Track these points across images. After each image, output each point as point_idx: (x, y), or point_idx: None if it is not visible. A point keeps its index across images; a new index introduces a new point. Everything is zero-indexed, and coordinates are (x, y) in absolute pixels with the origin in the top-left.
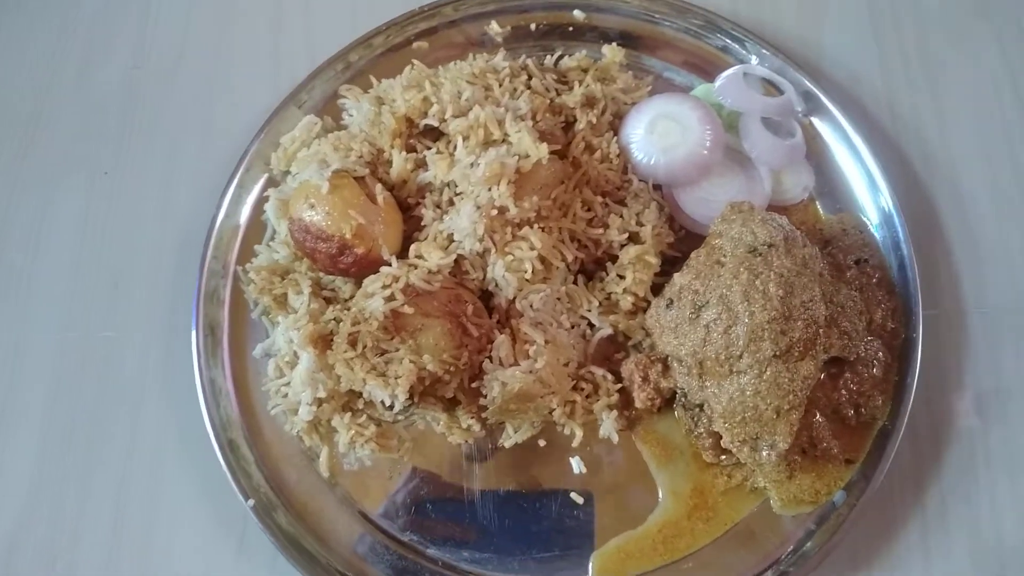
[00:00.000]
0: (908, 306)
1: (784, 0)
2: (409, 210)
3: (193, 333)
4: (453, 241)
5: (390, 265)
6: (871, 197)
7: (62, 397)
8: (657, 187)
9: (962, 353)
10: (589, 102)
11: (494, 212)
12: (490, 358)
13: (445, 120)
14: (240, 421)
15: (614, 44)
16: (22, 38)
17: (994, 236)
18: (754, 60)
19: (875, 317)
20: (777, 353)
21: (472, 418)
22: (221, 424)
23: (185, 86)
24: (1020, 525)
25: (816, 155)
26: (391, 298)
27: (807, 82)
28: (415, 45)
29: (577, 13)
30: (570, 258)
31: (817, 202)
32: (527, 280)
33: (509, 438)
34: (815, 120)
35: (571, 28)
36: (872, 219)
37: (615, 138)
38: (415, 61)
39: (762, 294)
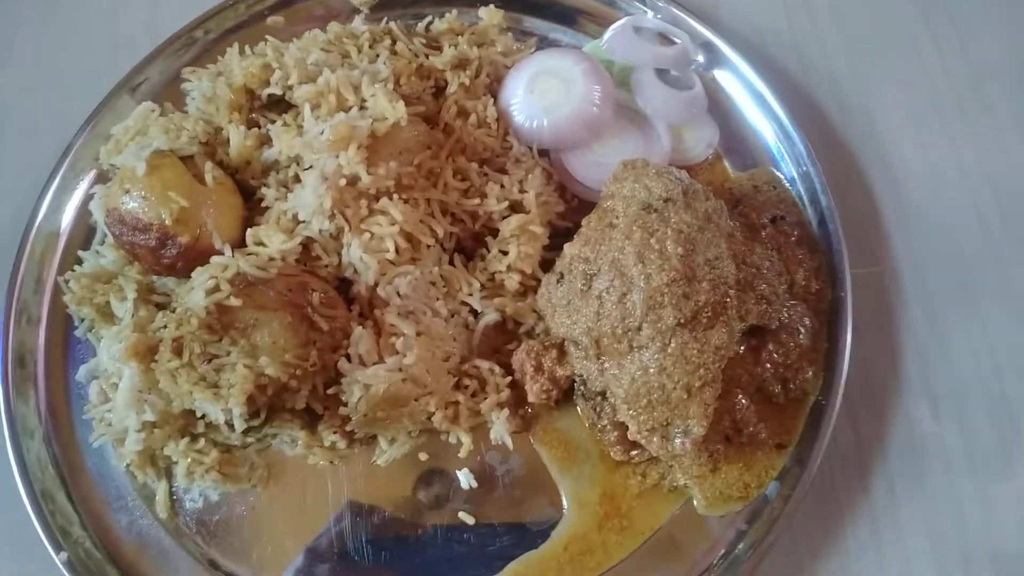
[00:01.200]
0: (833, 264)
1: None
2: (254, 194)
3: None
4: (300, 223)
5: (223, 255)
6: (785, 149)
7: None
8: (545, 153)
9: (897, 313)
10: (461, 63)
11: (343, 182)
12: (347, 356)
13: (291, 87)
14: (59, 460)
15: (491, 6)
16: None
17: (920, 183)
18: (648, 13)
19: (796, 278)
20: (681, 321)
21: (335, 433)
22: (32, 468)
23: (9, 72)
24: (983, 505)
25: (720, 109)
26: (215, 289)
27: (706, 32)
28: (269, 20)
29: None
30: (441, 233)
31: (724, 160)
32: (390, 262)
33: (383, 453)
34: (717, 74)
35: None
36: (786, 173)
37: (492, 101)
38: (269, 38)
39: (659, 253)
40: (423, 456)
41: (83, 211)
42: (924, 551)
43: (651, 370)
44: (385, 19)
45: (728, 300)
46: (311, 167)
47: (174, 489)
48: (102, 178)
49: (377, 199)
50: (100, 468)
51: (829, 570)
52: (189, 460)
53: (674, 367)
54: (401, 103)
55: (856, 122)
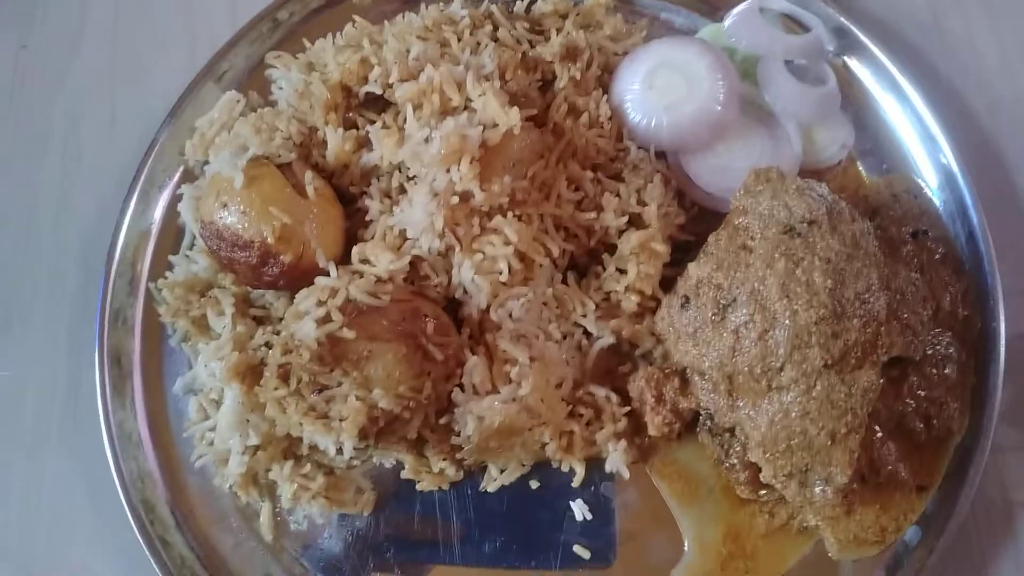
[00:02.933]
0: (982, 287)
1: None
2: (352, 202)
3: (97, 365)
4: (407, 240)
5: (328, 275)
6: (926, 153)
7: None
8: (661, 155)
9: None
10: (570, 54)
11: (455, 199)
12: (461, 386)
13: (390, 86)
14: (158, 474)
15: None
16: None
17: None
18: None
19: (943, 304)
20: (829, 362)
21: (445, 459)
22: (132, 479)
23: (83, 67)
24: None
25: (854, 104)
26: (326, 319)
27: (837, 15)
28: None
29: None
30: (556, 252)
31: (859, 163)
32: (503, 284)
33: (493, 481)
34: (850, 61)
35: None
36: (929, 181)
37: (605, 97)
38: (356, 17)
39: (806, 287)
40: (534, 484)
41: (171, 210)
42: None
43: (793, 414)
44: (487, 3)
45: (879, 338)
46: (416, 177)
47: (278, 510)
48: (189, 175)
49: (490, 216)
50: (202, 484)
51: None
52: (295, 486)
53: (819, 412)
54: (515, 110)
55: (1008, 124)
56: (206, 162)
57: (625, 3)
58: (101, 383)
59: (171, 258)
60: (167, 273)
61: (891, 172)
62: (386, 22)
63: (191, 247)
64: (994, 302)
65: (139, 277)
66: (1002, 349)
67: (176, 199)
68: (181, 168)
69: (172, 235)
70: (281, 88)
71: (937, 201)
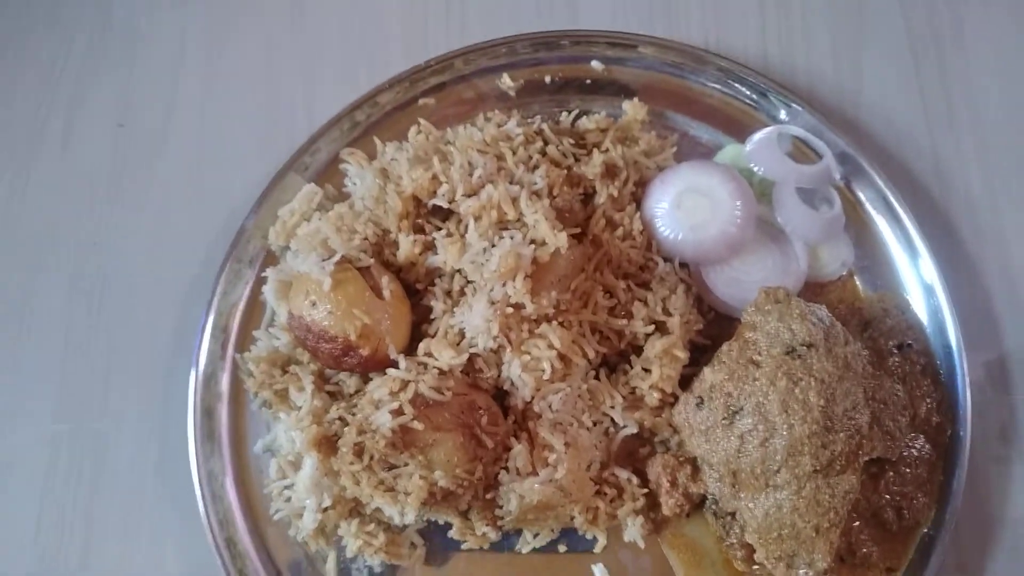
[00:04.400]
0: (955, 397)
1: (818, 45)
2: (417, 296)
3: (190, 419)
4: (465, 338)
5: (397, 366)
6: (914, 272)
7: (54, 496)
8: (683, 265)
9: (1012, 449)
10: (610, 172)
11: (509, 309)
12: (506, 468)
13: (455, 200)
14: (241, 518)
15: (636, 100)
16: (6, 91)
17: None
18: (783, 114)
19: (919, 411)
20: (817, 468)
21: (487, 524)
22: (219, 520)
23: (174, 146)
24: None
25: (855, 225)
26: (399, 412)
27: (844, 143)
28: (421, 102)
29: (595, 64)
30: (592, 355)
31: (856, 278)
32: (545, 380)
33: (527, 544)
34: (854, 185)
35: (588, 81)
36: (915, 298)
37: (638, 213)
38: (422, 121)
39: (802, 404)
40: (562, 548)
41: (255, 288)
42: None
43: (784, 509)
44: (537, 114)
45: (861, 448)
46: (477, 287)
47: (342, 559)
48: (272, 258)
49: (537, 323)
50: (278, 531)
51: None
52: (360, 541)
53: (806, 509)
54: (563, 234)
55: (988, 248)
56: (286, 247)
57: (658, 118)
58: (194, 435)
59: (255, 333)
60: (251, 347)
61: (884, 288)
62: (448, 129)
63: (271, 324)
64: (964, 412)
65: (228, 345)
66: (967, 453)
67: (259, 280)
68: (265, 251)
69: (256, 309)
70: (355, 183)
71: (922, 317)
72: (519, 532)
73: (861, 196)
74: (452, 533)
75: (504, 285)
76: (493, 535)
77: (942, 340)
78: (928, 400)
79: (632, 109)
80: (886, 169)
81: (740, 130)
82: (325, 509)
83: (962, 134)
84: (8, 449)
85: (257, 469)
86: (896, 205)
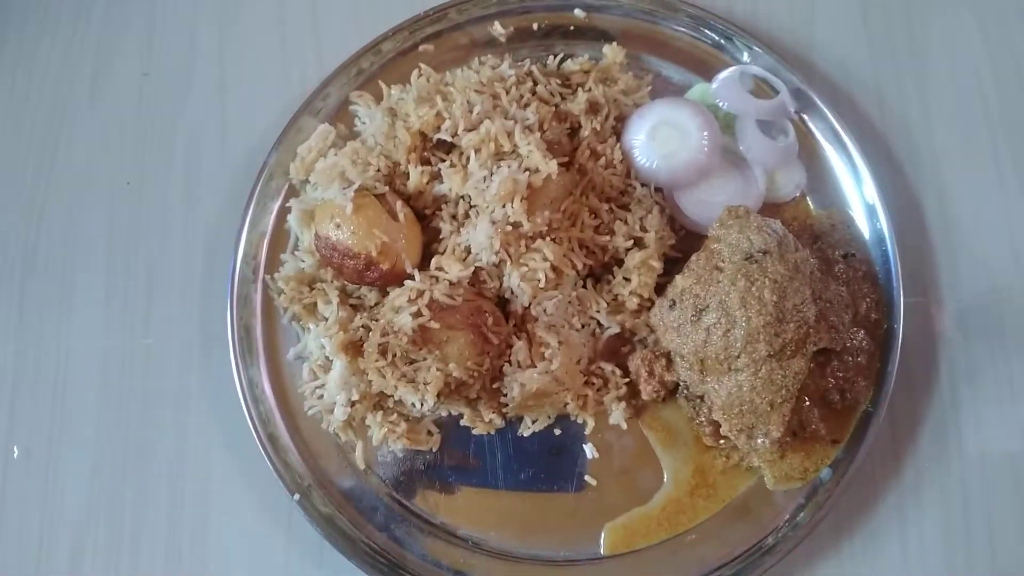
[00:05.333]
0: (890, 297)
1: None
2: (426, 220)
3: (229, 335)
4: (471, 254)
5: (413, 279)
6: (857, 193)
7: (111, 404)
8: (658, 190)
9: (938, 341)
10: (593, 108)
11: (509, 228)
12: (509, 362)
13: (457, 134)
14: (280, 417)
15: (615, 44)
16: (32, 53)
17: (971, 228)
18: (745, 56)
19: (860, 309)
20: (771, 353)
21: (493, 412)
22: (261, 420)
23: (197, 93)
24: (986, 491)
25: (807, 152)
26: (418, 314)
27: (798, 81)
28: (421, 48)
29: (578, 12)
30: (580, 266)
31: (808, 198)
32: (541, 288)
33: (527, 428)
34: (806, 118)
35: (572, 28)
36: (858, 215)
37: (618, 144)
38: (422, 65)
39: (758, 300)
40: (557, 431)
41: (280, 217)
42: (936, 524)
43: (744, 388)
44: (527, 58)
45: (808, 336)
46: (477, 207)
47: (368, 447)
48: (292, 191)
49: (533, 239)
50: (309, 426)
51: (864, 532)
52: (384, 429)
53: (763, 387)
54: (553, 161)
55: (922, 167)
56: (306, 181)
57: (634, 60)
58: (234, 347)
59: (282, 256)
60: (279, 268)
61: (831, 206)
62: (447, 73)
63: (296, 248)
64: (897, 309)
65: (258, 270)
66: (899, 344)
67: (284, 210)
68: (286, 185)
69: (280, 238)
70: (364, 123)
71: (863, 230)
72: (521, 419)
73: (812, 127)
74: (464, 421)
75: (504, 207)
76: (498, 421)
77: (880, 250)
78: (867, 300)
79: (611, 52)
80: (834, 103)
81: (707, 70)
82: (353, 403)
83: (902, 71)
84: (64, 365)
85: (290, 375)
86: (842, 134)
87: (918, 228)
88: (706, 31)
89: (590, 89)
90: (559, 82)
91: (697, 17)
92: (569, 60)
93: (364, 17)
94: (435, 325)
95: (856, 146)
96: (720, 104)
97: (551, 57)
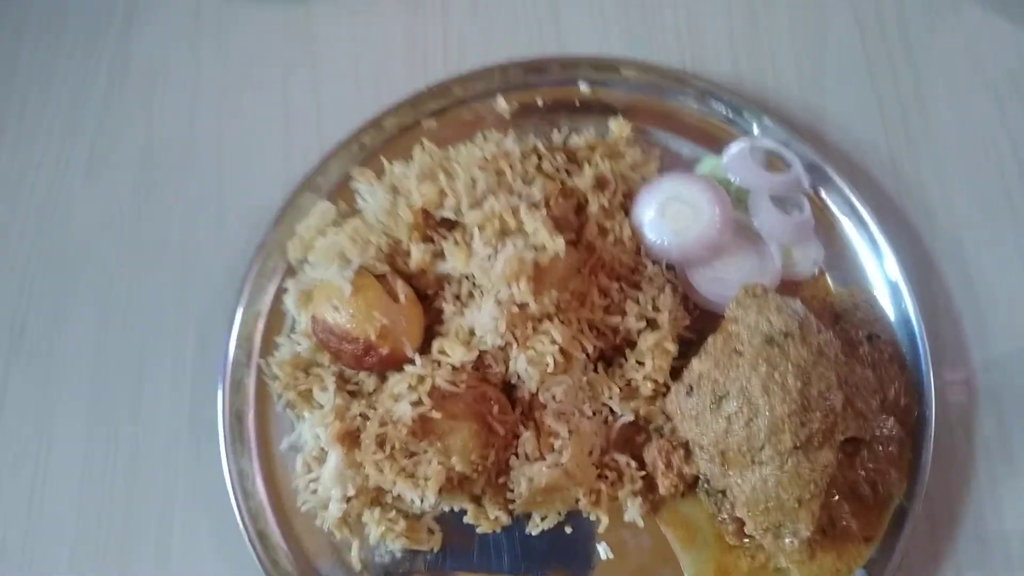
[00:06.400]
0: (920, 381)
1: (785, 66)
2: (428, 300)
3: (220, 422)
4: (475, 336)
5: (414, 363)
6: (879, 270)
7: (93, 494)
8: (670, 268)
9: (972, 424)
10: (600, 183)
11: (515, 309)
12: (516, 454)
13: (461, 211)
14: (271, 512)
15: (620, 117)
16: (33, 130)
17: (998, 303)
18: (755, 129)
19: (888, 394)
20: (797, 444)
21: (499, 508)
22: (251, 515)
23: (195, 171)
24: None
25: (824, 227)
26: (418, 403)
27: (812, 154)
28: (424, 124)
29: (582, 86)
30: (590, 349)
31: (827, 275)
32: (549, 373)
33: (536, 526)
34: (822, 192)
35: (576, 102)
36: (881, 293)
37: (627, 220)
38: (424, 140)
39: (781, 387)
40: (568, 529)
41: (276, 299)
42: None
43: (769, 483)
44: (531, 134)
45: (836, 426)
46: (481, 286)
47: (365, 546)
48: (291, 271)
49: (540, 321)
50: (302, 522)
51: None
52: (383, 527)
53: (790, 482)
54: (560, 239)
55: (944, 243)
56: (304, 260)
57: (641, 134)
58: (224, 436)
59: (277, 339)
60: (274, 352)
61: (852, 284)
62: (450, 148)
63: (292, 331)
64: (928, 394)
65: (252, 352)
66: (932, 431)
67: (281, 291)
68: (285, 265)
69: (276, 320)
70: (366, 200)
71: (888, 309)
72: (529, 516)
73: (828, 202)
74: (467, 518)
75: (509, 287)
76: (505, 518)
77: (907, 330)
78: (896, 384)
79: (617, 127)
80: (850, 177)
81: (717, 144)
82: (349, 499)
83: (918, 143)
84: (46, 453)
85: (283, 466)
86: (860, 208)
87: (944, 305)
88: (715, 103)
89: (597, 164)
90: (565, 158)
91: (705, 90)
92: (575, 135)
93: (366, 92)
94: (436, 415)
95: (875, 220)
96: (732, 179)
97: (556, 132)
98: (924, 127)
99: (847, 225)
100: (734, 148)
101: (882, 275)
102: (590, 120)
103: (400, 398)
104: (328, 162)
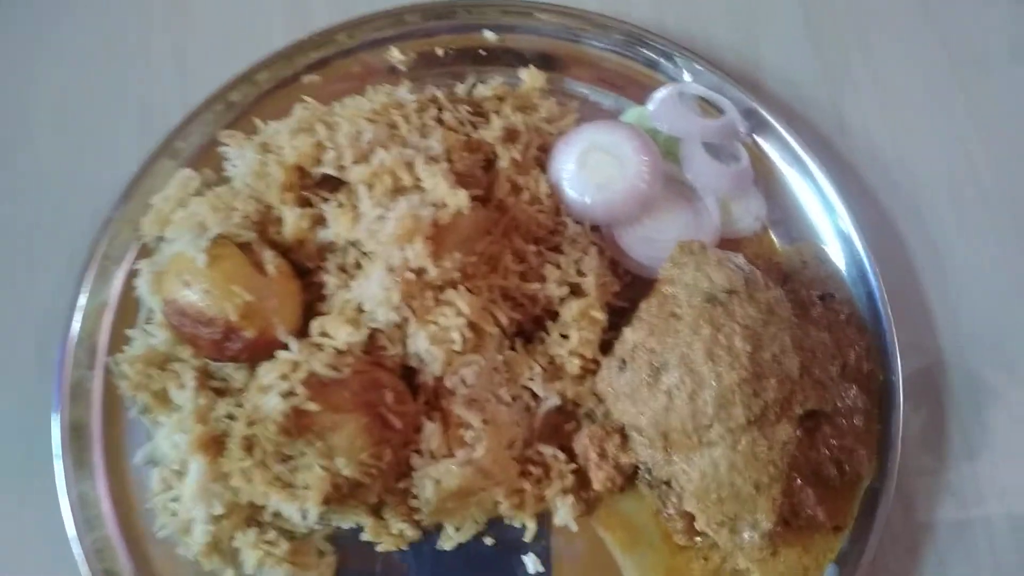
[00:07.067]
0: (882, 344)
1: (714, 11)
2: (308, 275)
3: (54, 437)
4: (363, 312)
5: (288, 348)
6: (829, 223)
7: None
8: (596, 228)
9: (944, 393)
10: (510, 136)
11: (410, 275)
12: (419, 451)
13: (344, 167)
14: (121, 543)
15: (532, 67)
16: None
17: (965, 260)
18: (687, 77)
19: (848, 360)
20: (751, 419)
21: (404, 521)
22: (95, 550)
23: (32, 145)
24: None
25: (765, 179)
26: (290, 393)
27: (748, 99)
28: (305, 80)
29: (488, 34)
30: (504, 321)
31: (771, 231)
32: (456, 352)
33: (449, 539)
34: (760, 141)
35: (483, 52)
36: (832, 248)
37: (542, 176)
38: (306, 98)
39: (728, 351)
40: (489, 541)
41: (128, 285)
42: None
43: (721, 467)
44: (429, 86)
45: (794, 395)
46: (373, 255)
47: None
48: (145, 251)
49: (442, 289)
50: (166, 555)
51: None
52: (261, 553)
53: (744, 464)
54: (463, 192)
55: (899, 196)
56: (162, 238)
57: (557, 87)
58: (62, 455)
59: (128, 332)
60: (124, 347)
61: (800, 240)
62: (335, 103)
63: (147, 321)
64: (892, 357)
65: (97, 349)
66: (901, 399)
67: (132, 275)
68: (138, 244)
69: (129, 308)
70: (235, 166)
71: (841, 266)
72: (441, 528)
73: (768, 151)
74: (365, 535)
75: (402, 249)
76: (411, 532)
77: (864, 288)
78: (856, 348)
79: (530, 77)
80: (790, 123)
81: (642, 94)
82: (218, 520)
83: (861, 89)
84: None
85: (139, 486)
86: (804, 157)
87: (901, 259)
88: (640, 49)
89: (507, 116)
90: (470, 110)
91: (628, 34)
92: (481, 85)
93: (240, 45)
94: (313, 407)
95: (822, 169)
96: (660, 127)
97: (459, 85)
98: (867, 72)
99: (791, 175)
100: (660, 93)
101: (833, 228)
102: (499, 72)
103: (269, 390)
104: (190, 124)
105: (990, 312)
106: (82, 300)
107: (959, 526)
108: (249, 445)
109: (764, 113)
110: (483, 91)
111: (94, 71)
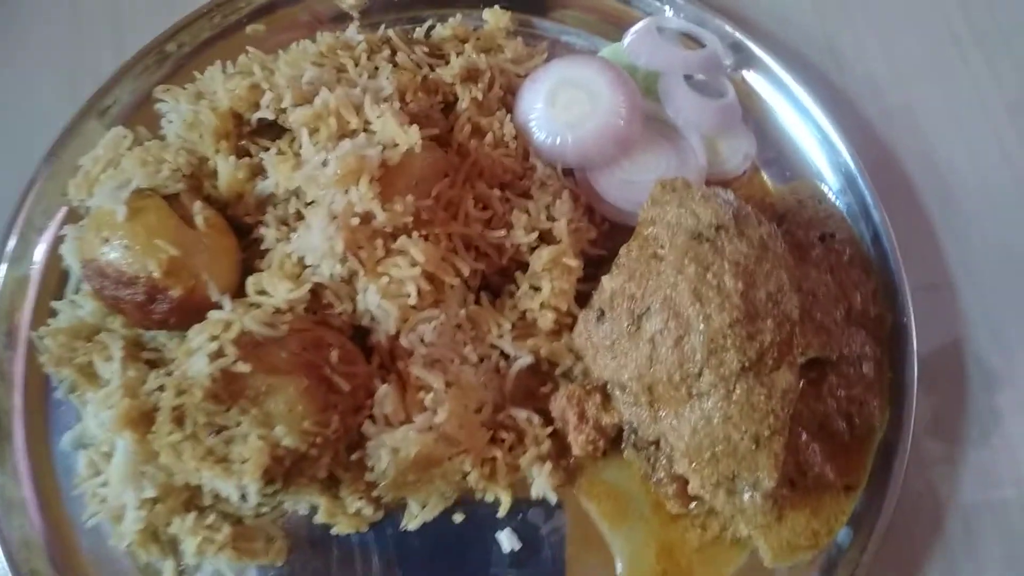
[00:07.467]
0: (891, 285)
1: None
2: (248, 233)
3: None
4: (306, 267)
5: (221, 308)
6: (827, 160)
7: None
8: (569, 173)
9: (960, 332)
10: (471, 75)
11: (355, 221)
12: (372, 417)
13: (283, 111)
14: (45, 537)
15: (496, 7)
16: None
17: (973, 189)
18: (667, 11)
19: (854, 303)
20: (746, 364)
21: (361, 499)
22: (17, 548)
23: None
24: None
25: (755, 116)
26: (219, 354)
27: (732, 30)
28: (249, 29)
29: None
30: (467, 272)
31: (763, 172)
32: (412, 307)
33: (414, 518)
34: (748, 75)
35: None
36: (831, 186)
37: (509, 117)
38: (250, 49)
39: (717, 290)
40: (458, 517)
41: (54, 253)
42: None
43: (715, 420)
44: (382, 26)
45: (793, 338)
46: (315, 203)
47: (182, 568)
48: (73, 216)
49: (394, 238)
50: (96, 547)
51: None
52: (200, 538)
53: (740, 416)
54: (414, 127)
55: (898, 125)
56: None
57: (525, 27)
58: None
59: (54, 304)
60: (49, 320)
61: (794, 179)
62: (280, 51)
63: (76, 291)
64: (903, 298)
65: (18, 327)
66: (914, 343)
67: (58, 241)
68: (64, 209)
69: (56, 281)
70: (171, 122)
71: (840, 204)
72: (405, 506)
73: (757, 87)
74: (319, 517)
75: (346, 192)
76: (370, 511)
77: (869, 226)
78: (861, 290)
79: (493, 17)
80: (780, 54)
81: (617, 32)
82: (152, 504)
83: (856, 18)
84: None
85: (66, 473)
86: (798, 91)
87: (905, 195)
88: None
89: (468, 56)
90: (427, 51)
91: None
92: (439, 26)
93: None
94: (245, 368)
95: (816, 101)
96: (636, 62)
97: (417, 27)
98: (864, 2)
99: (783, 111)
100: (636, 26)
101: (831, 165)
102: (460, 12)
103: (197, 352)
104: (121, 80)
105: (1005, 242)
106: (1, 274)
107: (985, 475)
108: (179, 417)
109: (752, 46)
110: (442, 31)
111: (19, 28)
